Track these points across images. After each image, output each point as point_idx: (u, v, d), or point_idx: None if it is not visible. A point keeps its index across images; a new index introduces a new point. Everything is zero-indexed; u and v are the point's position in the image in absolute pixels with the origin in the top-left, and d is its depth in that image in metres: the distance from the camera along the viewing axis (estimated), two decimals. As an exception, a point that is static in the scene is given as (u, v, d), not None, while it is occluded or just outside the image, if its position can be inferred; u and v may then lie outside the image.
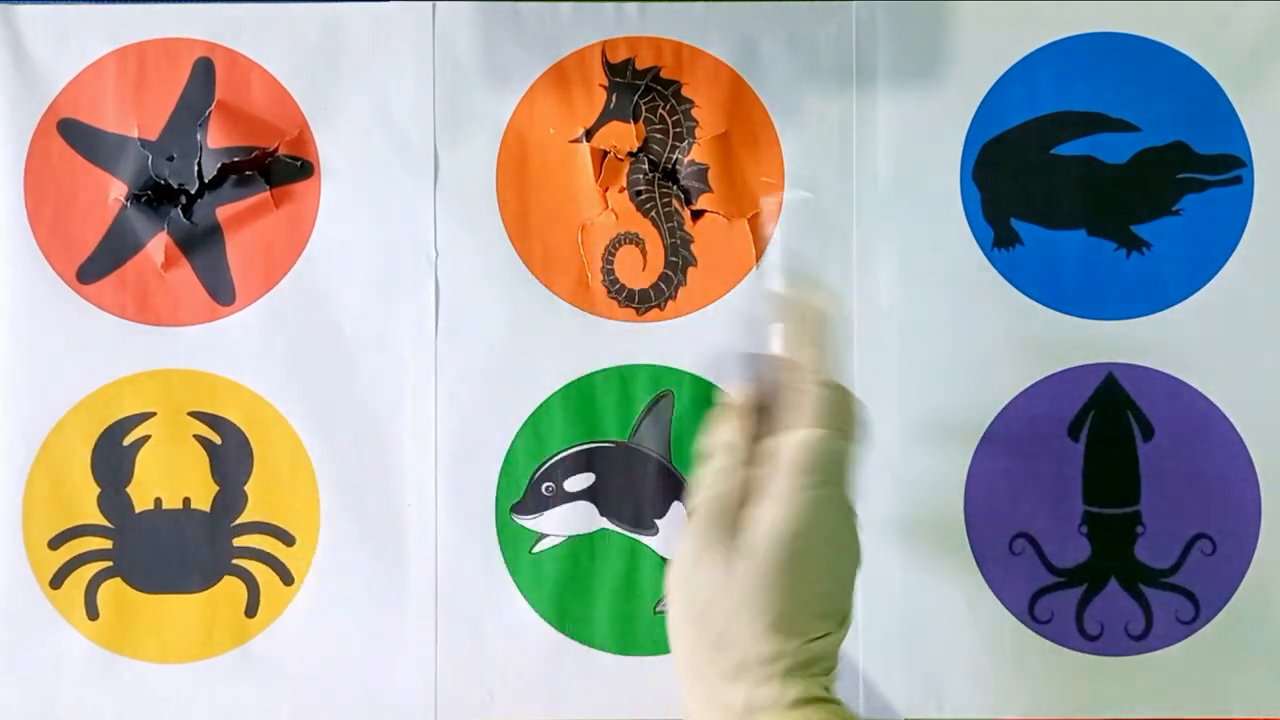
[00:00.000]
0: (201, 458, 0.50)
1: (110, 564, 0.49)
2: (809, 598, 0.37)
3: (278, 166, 0.50)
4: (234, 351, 0.50)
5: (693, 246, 0.50)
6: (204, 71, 0.50)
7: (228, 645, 0.49)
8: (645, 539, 0.49)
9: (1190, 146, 0.49)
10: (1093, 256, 0.49)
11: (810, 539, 0.37)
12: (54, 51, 0.50)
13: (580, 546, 0.49)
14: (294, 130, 0.50)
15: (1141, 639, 0.49)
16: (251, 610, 0.49)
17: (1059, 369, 0.49)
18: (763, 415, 0.39)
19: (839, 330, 0.40)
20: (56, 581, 0.49)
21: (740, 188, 0.50)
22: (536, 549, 0.49)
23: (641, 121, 0.50)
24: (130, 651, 0.49)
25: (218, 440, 0.50)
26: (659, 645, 0.49)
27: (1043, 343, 0.49)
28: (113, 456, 0.50)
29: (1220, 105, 0.49)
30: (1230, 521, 0.49)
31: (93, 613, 0.49)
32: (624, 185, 0.50)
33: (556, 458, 0.50)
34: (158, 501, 0.49)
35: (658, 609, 0.49)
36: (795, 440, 0.38)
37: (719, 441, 0.39)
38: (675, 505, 0.49)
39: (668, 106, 0.50)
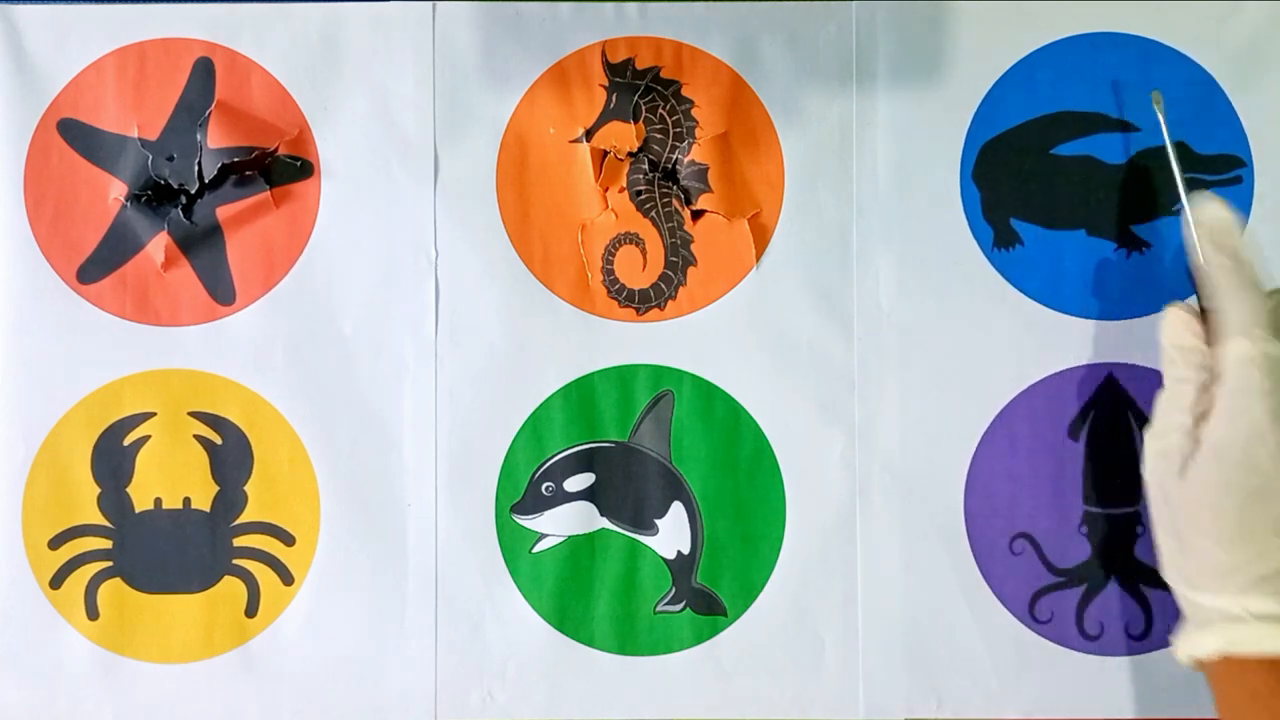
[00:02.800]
0: (201, 458, 0.50)
1: (110, 564, 0.49)
2: (1271, 509, 0.38)
3: (278, 166, 0.50)
4: (234, 351, 0.50)
5: (693, 246, 0.50)
6: (204, 71, 0.50)
7: (228, 645, 0.49)
8: (645, 539, 0.49)
9: (1190, 146, 0.49)
10: (1093, 256, 0.49)
11: (1257, 452, 0.38)
12: (54, 51, 0.50)
13: (580, 546, 0.49)
14: (294, 130, 0.50)
15: (1141, 639, 0.49)
16: (251, 610, 0.49)
17: (1059, 369, 0.49)
18: (1207, 325, 0.41)
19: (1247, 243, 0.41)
20: (56, 581, 0.49)
21: (740, 188, 0.50)
22: (536, 549, 0.49)
23: (641, 121, 0.50)
24: (130, 651, 0.49)
25: (218, 440, 0.50)
26: (659, 645, 0.49)
27: (1043, 343, 0.49)
28: (113, 456, 0.50)
29: (1220, 105, 0.49)
30: (1230, 521, 0.49)
31: (93, 613, 0.49)
32: (624, 185, 0.50)
33: (556, 458, 0.50)
34: (158, 501, 0.49)
35: (657, 609, 0.49)
36: (1230, 352, 0.39)
37: (1173, 346, 0.41)
38: (675, 505, 0.49)
39: (668, 106, 0.50)
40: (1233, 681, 0.39)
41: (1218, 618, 0.39)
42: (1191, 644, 0.40)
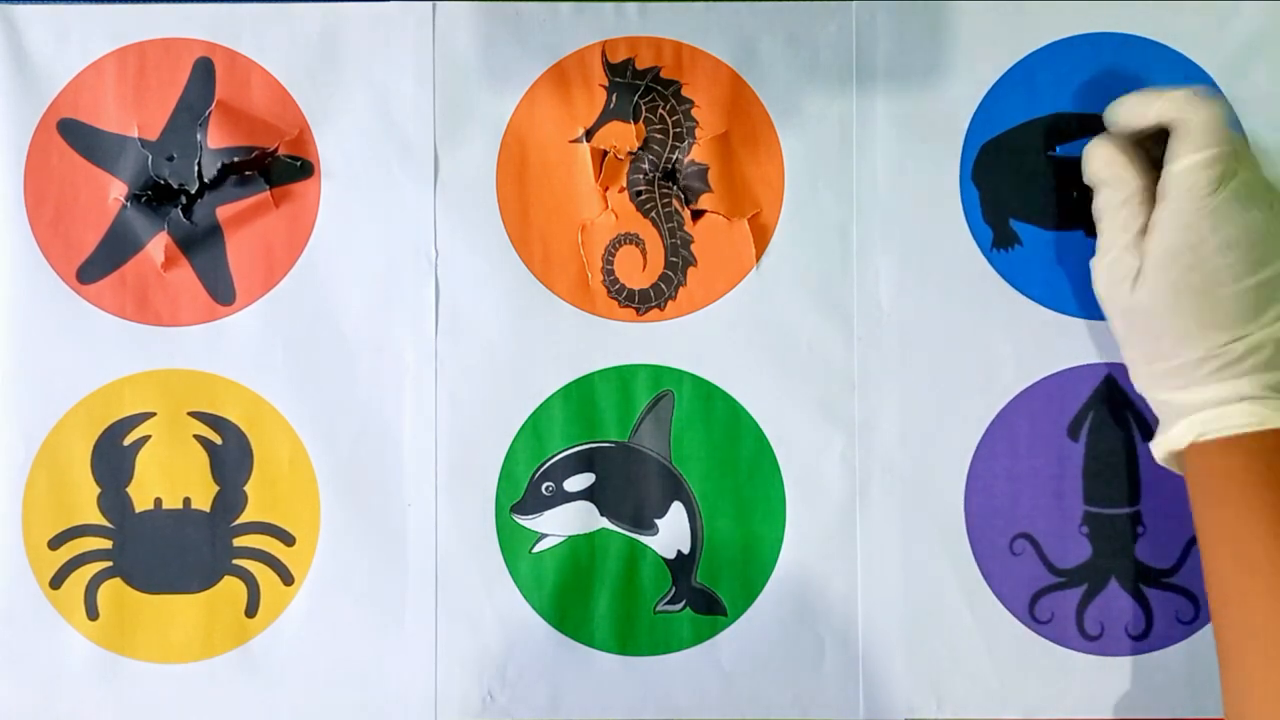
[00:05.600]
0: (201, 458, 0.50)
1: (110, 564, 0.49)
2: (1221, 302, 0.41)
3: (278, 166, 0.50)
4: (234, 351, 0.50)
5: (693, 246, 0.50)
6: (204, 71, 0.50)
7: (228, 645, 0.49)
8: (645, 539, 0.49)
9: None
10: (1092, 257, 0.49)
11: (1201, 249, 0.41)
12: (54, 51, 0.50)
13: (580, 546, 0.49)
14: (294, 130, 0.50)
15: (1141, 639, 0.49)
16: (251, 610, 0.49)
17: (1059, 369, 0.49)
18: (1149, 146, 0.44)
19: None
20: (56, 581, 0.49)
21: (740, 188, 0.50)
22: (536, 549, 0.49)
23: (641, 121, 0.50)
24: (130, 651, 0.49)
25: (218, 440, 0.50)
26: (659, 645, 0.49)
27: (1043, 343, 0.49)
28: (113, 456, 0.50)
29: (1220, 105, 0.49)
30: (1230, 521, 0.49)
31: (93, 613, 0.49)
32: (624, 185, 0.50)
33: (556, 458, 0.50)
34: (158, 501, 0.49)
35: (657, 609, 0.49)
36: (1176, 166, 0.42)
37: (1105, 176, 0.44)
38: (675, 505, 0.49)
39: (668, 106, 0.50)
40: (1208, 464, 0.42)
41: (1189, 410, 0.42)
42: (1168, 440, 0.44)
